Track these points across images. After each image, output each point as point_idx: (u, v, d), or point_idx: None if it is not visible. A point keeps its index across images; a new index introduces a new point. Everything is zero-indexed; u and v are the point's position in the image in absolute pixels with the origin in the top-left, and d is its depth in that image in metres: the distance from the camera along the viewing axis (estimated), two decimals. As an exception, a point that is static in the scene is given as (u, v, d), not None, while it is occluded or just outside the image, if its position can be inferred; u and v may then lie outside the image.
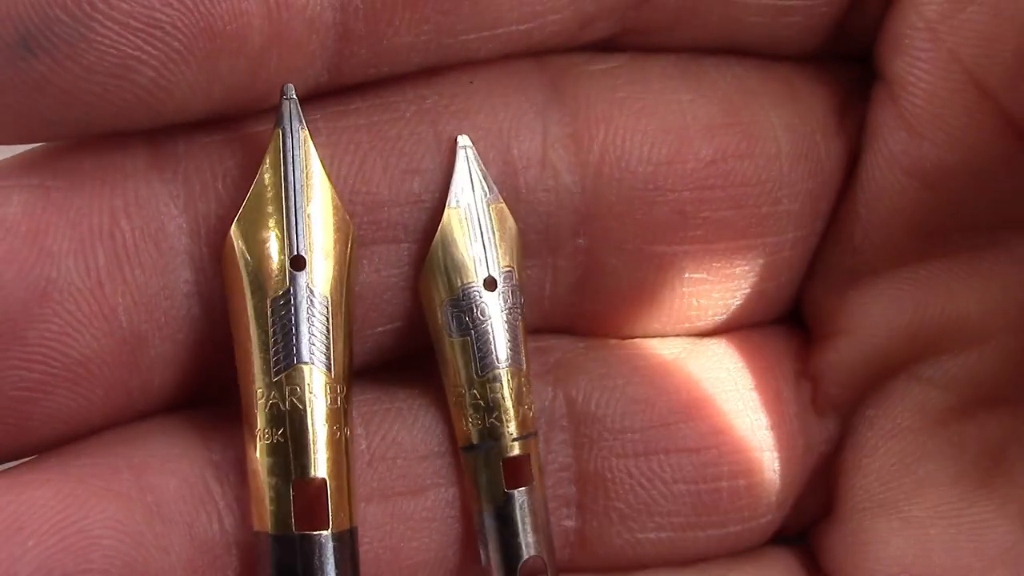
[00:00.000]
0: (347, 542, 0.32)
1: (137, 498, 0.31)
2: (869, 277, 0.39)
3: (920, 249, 0.38)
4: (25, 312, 0.30)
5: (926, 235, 0.37)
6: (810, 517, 0.41)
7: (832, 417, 0.40)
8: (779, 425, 0.39)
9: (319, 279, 0.32)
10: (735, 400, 0.39)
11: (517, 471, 0.35)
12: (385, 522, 0.35)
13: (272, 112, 0.33)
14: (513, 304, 0.35)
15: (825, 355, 0.39)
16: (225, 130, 0.34)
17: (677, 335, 0.40)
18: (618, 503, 0.37)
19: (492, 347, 0.34)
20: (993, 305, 0.38)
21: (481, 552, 0.35)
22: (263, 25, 0.31)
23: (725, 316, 0.40)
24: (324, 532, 0.31)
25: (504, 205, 0.35)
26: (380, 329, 0.36)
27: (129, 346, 0.32)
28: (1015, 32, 0.33)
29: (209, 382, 0.34)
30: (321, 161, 0.33)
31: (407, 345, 0.36)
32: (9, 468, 0.32)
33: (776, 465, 0.39)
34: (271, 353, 0.31)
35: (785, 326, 0.41)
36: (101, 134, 0.32)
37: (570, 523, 0.37)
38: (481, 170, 0.35)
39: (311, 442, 0.31)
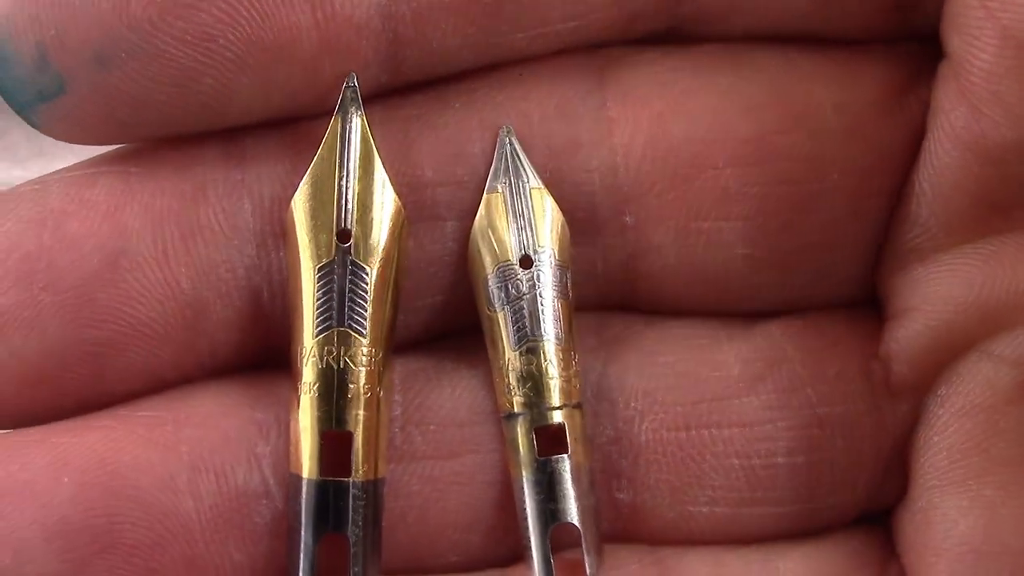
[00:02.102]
0: (369, 491, 0.35)
1: (173, 447, 0.35)
2: (935, 254, 0.38)
3: (984, 224, 0.37)
4: (98, 278, 0.35)
5: (989, 210, 0.37)
6: (890, 499, 0.40)
7: (906, 398, 0.39)
8: (842, 404, 0.39)
9: (362, 251, 0.35)
10: (792, 378, 0.39)
11: (553, 439, 0.36)
12: (412, 482, 0.37)
13: (330, 113, 0.36)
14: (552, 281, 0.37)
15: (894, 334, 0.39)
16: (288, 125, 0.37)
17: (737, 313, 0.40)
18: (668, 475, 0.38)
19: (528, 321, 0.37)
20: None
21: (519, 520, 0.37)
22: (313, 35, 0.35)
23: (783, 293, 0.40)
24: (347, 479, 0.34)
25: (543, 189, 0.37)
26: (428, 300, 0.38)
27: (192, 310, 0.36)
28: None
29: (270, 346, 0.37)
30: (375, 145, 0.36)
31: (457, 317, 0.39)
32: (85, 416, 0.36)
33: (839, 444, 0.39)
34: (315, 315, 0.35)
35: (858, 309, 0.41)
36: (176, 135, 0.36)
37: (621, 495, 0.38)
38: (521, 156, 0.37)
39: (342, 398, 0.34)
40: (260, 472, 0.36)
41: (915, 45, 0.39)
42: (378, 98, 0.38)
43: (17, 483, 0.34)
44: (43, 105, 0.34)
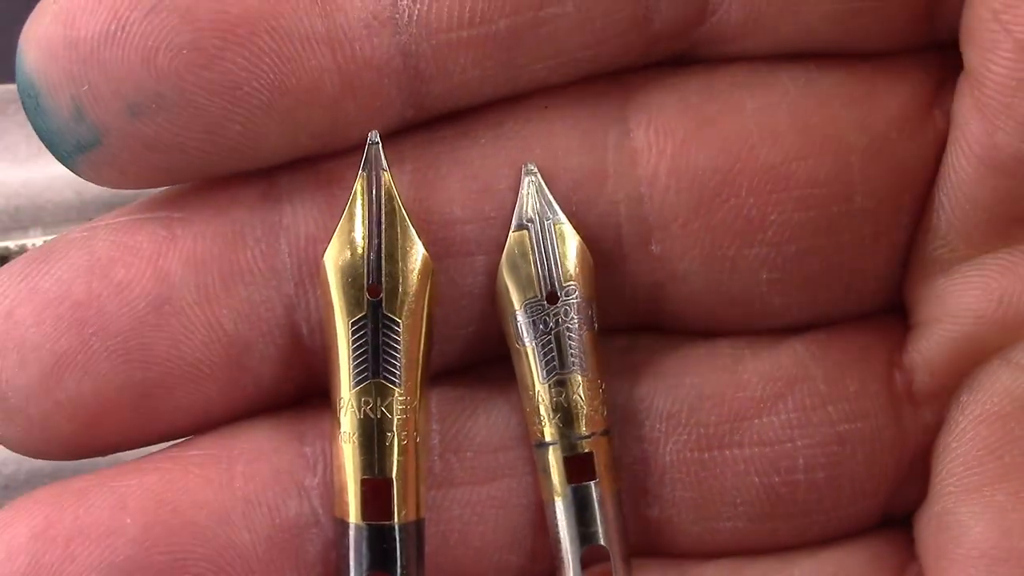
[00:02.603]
0: (411, 532, 0.37)
1: (227, 484, 0.37)
2: (956, 265, 0.39)
3: (1003, 236, 0.38)
4: (144, 323, 0.36)
5: (1007, 222, 0.38)
6: (912, 503, 0.41)
7: (928, 406, 0.40)
8: (863, 420, 0.40)
9: (393, 305, 0.36)
10: (813, 396, 0.40)
11: (582, 466, 0.38)
12: (452, 507, 0.39)
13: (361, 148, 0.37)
14: (578, 315, 0.38)
15: (917, 344, 0.40)
16: (320, 163, 0.38)
17: (761, 332, 0.41)
18: (691, 493, 0.40)
19: (556, 355, 0.38)
20: None
21: (552, 543, 0.39)
22: (335, 78, 0.36)
23: (810, 311, 0.40)
24: (388, 523, 0.36)
25: (567, 224, 0.38)
26: (461, 331, 0.39)
27: (236, 349, 0.37)
28: None
29: (312, 378, 0.39)
30: (400, 200, 0.37)
31: (488, 345, 0.40)
32: (138, 459, 0.38)
33: (860, 458, 0.39)
34: (352, 368, 0.36)
35: (884, 318, 0.41)
36: (213, 177, 0.38)
37: (648, 512, 0.40)
38: (546, 192, 0.38)
39: (380, 447, 0.36)
40: (310, 504, 0.38)
41: (939, 55, 0.39)
42: (406, 133, 0.39)
43: (83, 526, 0.35)
44: (82, 156, 0.35)
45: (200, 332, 0.37)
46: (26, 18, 0.35)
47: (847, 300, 0.40)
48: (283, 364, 0.38)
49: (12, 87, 0.60)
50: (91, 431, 0.37)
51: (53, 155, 0.36)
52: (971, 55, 0.36)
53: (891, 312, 0.41)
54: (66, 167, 0.36)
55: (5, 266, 0.37)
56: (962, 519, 0.38)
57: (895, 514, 0.41)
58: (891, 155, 0.39)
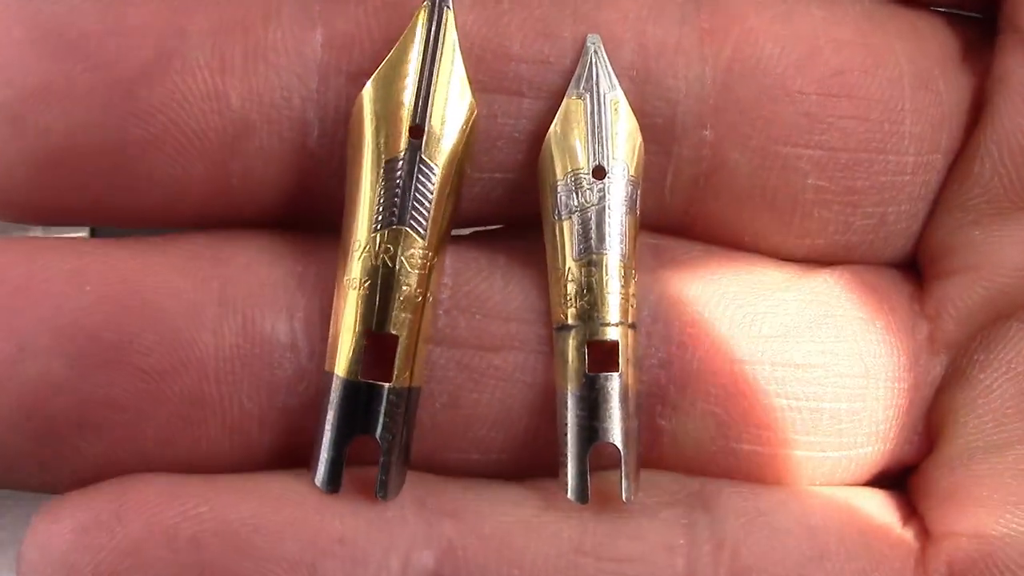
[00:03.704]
0: (404, 398, 0.34)
1: (205, 281, 0.35)
2: (994, 216, 0.39)
3: None
4: (144, 74, 0.34)
5: None
6: (913, 456, 0.41)
7: (944, 356, 0.40)
8: (889, 355, 0.39)
9: (434, 152, 0.34)
10: (844, 325, 0.39)
11: (604, 356, 0.36)
12: (449, 367, 0.37)
13: None
14: (622, 196, 0.36)
15: (947, 292, 0.40)
16: None
17: (796, 256, 0.40)
18: (716, 408, 0.38)
19: (593, 232, 0.36)
20: None
21: (559, 433, 0.36)
22: None
23: (844, 238, 0.40)
24: (385, 384, 0.34)
25: (624, 100, 0.36)
26: (488, 175, 0.37)
27: (235, 128, 0.35)
28: None
29: (313, 196, 0.36)
30: (460, 34, 0.34)
31: (517, 202, 0.38)
32: (119, 238, 0.36)
33: (881, 395, 0.39)
34: (375, 209, 0.34)
35: (900, 270, 0.41)
36: None
37: (663, 422, 0.38)
38: (607, 65, 0.36)
39: (392, 299, 0.34)
40: (291, 325, 0.35)
41: (968, 21, 0.41)
42: None
43: (36, 282, 0.33)
44: None
45: (202, 99, 0.34)
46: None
47: (878, 232, 0.40)
48: (281, 163, 0.36)
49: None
50: (50, 179, 0.34)
51: None
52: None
53: (906, 268, 0.42)
54: None
55: None
56: (992, 472, 0.38)
57: (889, 470, 0.41)
58: (937, 90, 0.39)
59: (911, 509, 0.40)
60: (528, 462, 0.38)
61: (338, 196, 0.35)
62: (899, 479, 0.41)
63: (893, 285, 0.41)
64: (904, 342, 0.40)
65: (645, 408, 0.38)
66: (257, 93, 0.35)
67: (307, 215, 0.37)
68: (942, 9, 0.41)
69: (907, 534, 0.39)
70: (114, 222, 0.36)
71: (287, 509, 0.34)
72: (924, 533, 0.39)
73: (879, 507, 0.40)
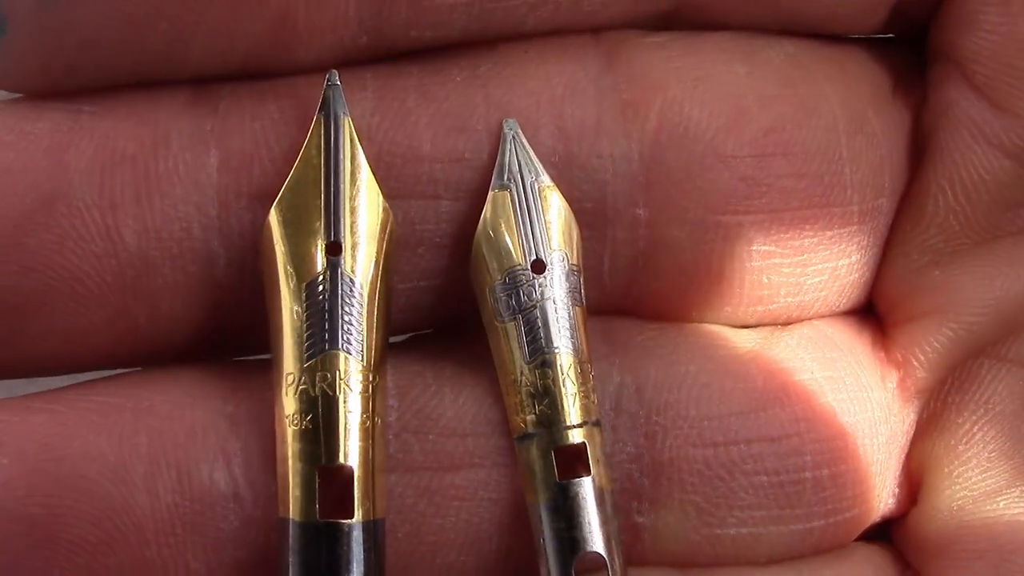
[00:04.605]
0: (372, 533, 0.32)
1: (129, 437, 0.32)
2: (953, 255, 0.38)
3: (1001, 225, 0.37)
4: (30, 220, 0.32)
5: (1007, 210, 0.37)
6: (897, 510, 0.39)
7: (916, 403, 0.39)
8: (862, 411, 0.38)
9: (356, 266, 0.32)
10: (814, 388, 0.38)
11: (573, 461, 0.34)
12: (407, 494, 0.34)
13: (310, 71, 0.34)
14: (565, 288, 0.34)
15: (913, 337, 0.38)
16: (266, 82, 0.34)
17: (749, 323, 0.39)
18: (695, 496, 0.36)
19: (541, 331, 0.34)
20: None
21: (536, 547, 0.34)
22: None
23: (797, 299, 0.39)
24: (349, 521, 0.31)
25: (555, 188, 0.34)
26: (414, 284, 0.35)
27: (134, 270, 0.33)
28: None
29: (229, 327, 0.35)
30: (363, 148, 0.33)
31: (445, 309, 0.36)
32: (27, 395, 0.33)
33: (860, 454, 0.38)
34: (304, 337, 0.32)
35: (857, 316, 0.40)
36: (131, 82, 0.33)
37: (641, 519, 0.36)
38: (528, 150, 0.34)
39: (340, 429, 0.31)
40: (229, 472, 0.33)
41: (895, 48, 0.40)
42: (367, 65, 0.35)
43: None
44: None
45: (95, 241, 0.32)
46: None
47: (832, 287, 0.39)
48: (188, 299, 0.34)
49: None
50: None
51: None
52: (968, 41, 0.37)
53: (863, 313, 0.41)
54: None
55: None
56: (984, 522, 0.37)
57: (873, 524, 0.40)
58: (870, 131, 0.38)
59: (904, 564, 0.39)
60: None
61: (255, 323, 0.34)
62: (882, 531, 0.40)
63: (854, 336, 0.40)
64: (875, 395, 0.38)
65: (621, 506, 0.35)
66: (153, 228, 0.33)
67: (226, 346, 0.35)
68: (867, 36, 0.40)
69: None
70: (17, 375, 0.34)
71: None
72: None
73: (874, 567, 0.39)
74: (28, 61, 0.32)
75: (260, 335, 0.34)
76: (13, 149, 0.32)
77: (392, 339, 0.36)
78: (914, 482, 0.39)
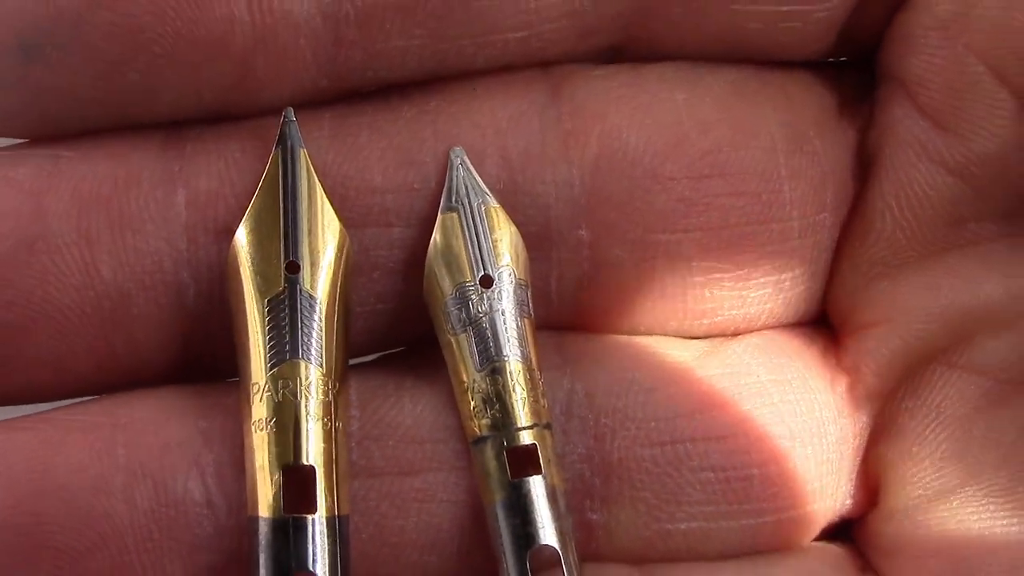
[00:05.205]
0: (335, 527, 0.34)
1: (109, 450, 0.34)
2: (900, 268, 0.39)
3: (946, 239, 0.39)
4: (12, 259, 0.34)
5: (952, 224, 0.38)
6: (855, 511, 0.41)
7: (867, 408, 0.40)
8: (807, 414, 0.39)
9: (315, 282, 0.34)
10: (759, 391, 0.39)
11: (524, 461, 0.36)
12: (370, 497, 0.36)
13: (274, 113, 0.36)
14: (513, 299, 0.36)
15: (862, 345, 0.40)
16: (228, 123, 0.37)
17: (697, 335, 0.40)
18: (645, 493, 0.38)
19: (491, 341, 0.36)
20: (1017, 291, 0.38)
21: (494, 546, 0.36)
22: (247, 30, 0.34)
23: (742, 311, 0.40)
24: (312, 515, 0.33)
25: (499, 207, 0.37)
26: (370, 307, 0.38)
27: (111, 301, 0.35)
28: None
29: (201, 353, 0.37)
30: (319, 172, 0.35)
31: (402, 330, 0.38)
32: (14, 417, 0.35)
33: (809, 452, 0.39)
34: (267, 348, 0.34)
35: (809, 327, 0.42)
36: (106, 128, 0.36)
37: (594, 516, 0.38)
38: (474, 175, 0.37)
39: (302, 431, 0.34)
40: (203, 482, 0.35)
41: (844, 70, 0.42)
42: (325, 105, 0.37)
43: None
44: None
45: (74, 276, 0.35)
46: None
47: (777, 300, 0.41)
48: (161, 327, 0.36)
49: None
50: None
51: None
52: (911, 63, 0.38)
53: (814, 325, 0.42)
54: None
55: None
56: (939, 519, 0.38)
57: (833, 525, 0.41)
58: (811, 151, 0.40)
59: (864, 562, 0.40)
60: None
61: (224, 348, 0.36)
62: (844, 533, 0.41)
63: (804, 344, 0.41)
64: (823, 398, 0.40)
65: (574, 505, 0.37)
66: (127, 263, 0.35)
67: (198, 371, 0.37)
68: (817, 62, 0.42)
69: None
70: (7, 402, 0.36)
71: None
72: None
73: (833, 566, 0.39)
74: (9, 110, 0.35)
75: (228, 360, 0.36)
76: None
77: (360, 359, 0.38)
78: (872, 485, 0.40)
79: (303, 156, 0.35)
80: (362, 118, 0.37)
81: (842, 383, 0.40)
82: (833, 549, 0.40)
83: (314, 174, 0.35)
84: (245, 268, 0.34)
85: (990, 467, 0.38)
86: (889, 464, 0.39)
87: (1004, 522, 0.37)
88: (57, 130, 0.36)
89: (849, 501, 0.40)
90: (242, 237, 0.35)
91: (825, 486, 0.39)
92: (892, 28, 0.39)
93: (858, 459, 0.40)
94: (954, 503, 0.38)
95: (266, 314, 0.34)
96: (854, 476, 0.40)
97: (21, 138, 0.36)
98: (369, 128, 0.37)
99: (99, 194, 0.35)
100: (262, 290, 0.34)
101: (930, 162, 0.38)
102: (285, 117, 0.36)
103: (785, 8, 0.38)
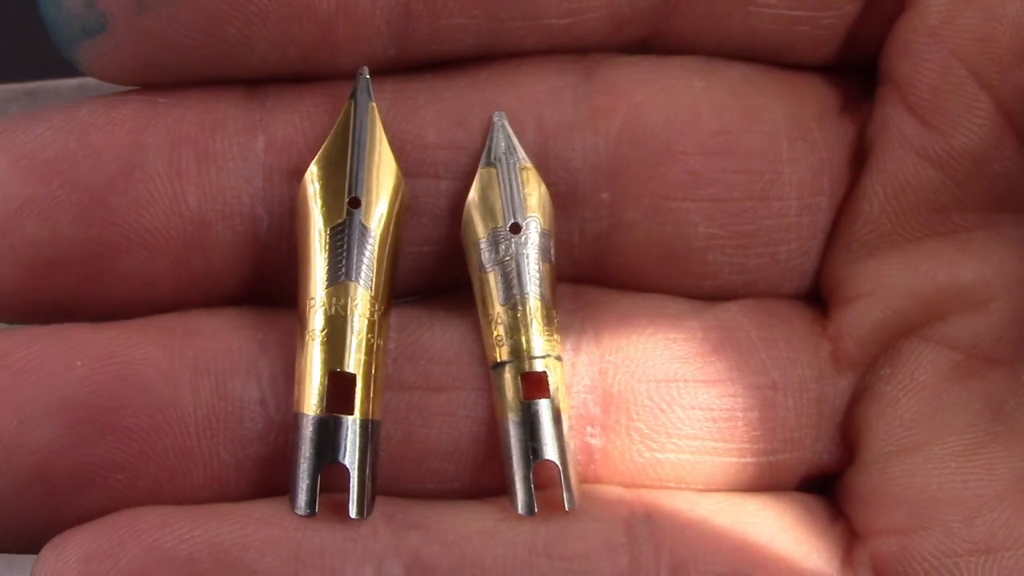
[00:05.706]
0: (368, 429, 0.39)
1: (180, 350, 0.38)
2: (886, 248, 0.43)
3: (928, 225, 0.42)
4: (113, 185, 0.38)
5: (934, 212, 0.42)
6: (832, 467, 0.44)
7: (849, 374, 0.43)
8: (792, 368, 0.43)
9: (369, 216, 0.39)
10: (748, 344, 0.43)
11: (535, 385, 0.40)
12: (400, 407, 0.40)
13: (345, 77, 0.41)
14: (538, 246, 0.41)
15: (846, 316, 0.43)
16: (305, 83, 0.41)
17: (698, 296, 0.44)
18: (639, 423, 0.41)
19: (515, 280, 0.40)
20: (990, 276, 0.42)
21: (504, 458, 0.40)
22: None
23: (741, 277, 0.44)
24: (350, 416, 0.38)
25: (532, 168, 0.41)
26: (417, 248, 0.42)
27: (194, 227, 0.39)
28: (1006, 32, 0.39)
29: (268, 279, 0.41)
30: (383, 126, 0.40)
31: (442, 267, 0.42)
32: (99, 324, 0.39)
33: (791, 404, 0.42)
34: (326, 269, 0.39)
35: (801, 301, 0.45)
36: (202, 78, 0.40)
37: (595, 441, 0.42)
38: (513, 138, 0.41)
39: (348, 343, 0.38)
40: (258, 383, 0.39)
41: (849, 76, 0.45)
42: (389, 74, 0.42)
43: (32, 363, 0.37)
44: (85, 43, 0.38)
45: (164, 202, 0.39)
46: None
47: (772, 269, 0.44)
48: (237, 253, 0.40)
49: (12, 87, 0.62)
50: (38, 281, 0.38)
51: (56, 43, 0.38)
52: (903, 65, 0.41)
53: (807, 299, 0.45)
54: (66, 56, 0.39)
55: None
56: (907, 469, 0.41)
57: (812, 479, 0.44)
58: (811, 139, 0.43)
59: (837, 511, 0.43)
60: (478, 488, 0.41)
61: (288, 277, 0.40)
62: (825, 488, 0.44)
63: (794, 312, 0.44)
64: (806, 358, 0.43)
65: (577, 430, 0.41)
66: (211, 195, 0.39)
67: (263, 296, 0.41)
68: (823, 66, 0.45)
69: (834, 533, 0.42)
70: (94, 316, 0.39)
71: (269, 528, 0.38)
72: (850, 533, 0.42)
73: (807, 509, 0.43)
74: (121, 57, 0.38)
75: (289, 289, 0.40)
76: (102, 131, 0.38)
77: (404, 299, 0.43)
78: (850, 443, 0.43)
79: (372, 108, 0.40)
80: (421, 84, 0.42)
81: (826, 349, 0.43)
82: (808, 497, 0.43)
83: (380, 125, 0.40)
84: (313, 199, 0.39)
85: (956, 430, 0.41)
86: (865, 424, 0.42)
87: (963, 478, 0.40)
88: (159, 79, 0.40)
89: (827, 456, 0.43)
90: (313, 172, 0.39)
91: (804, 437, 0.43)
92: (891, 35, 0.42)
93: (837, 419, 0.43)
94: (920, 459, 0.41)
95: (328, 240, 0.39)
96: (835, 434, 0.43)
97: (128, 85, 0.40)
98: (427, 93, 0.41)
99: (189, 135, 0.39)
100: (326, 219, 0.39)
101: (915, 155, 0.41)
102: (360, 73, 0.40)
103: (796, 13, 0.42)
